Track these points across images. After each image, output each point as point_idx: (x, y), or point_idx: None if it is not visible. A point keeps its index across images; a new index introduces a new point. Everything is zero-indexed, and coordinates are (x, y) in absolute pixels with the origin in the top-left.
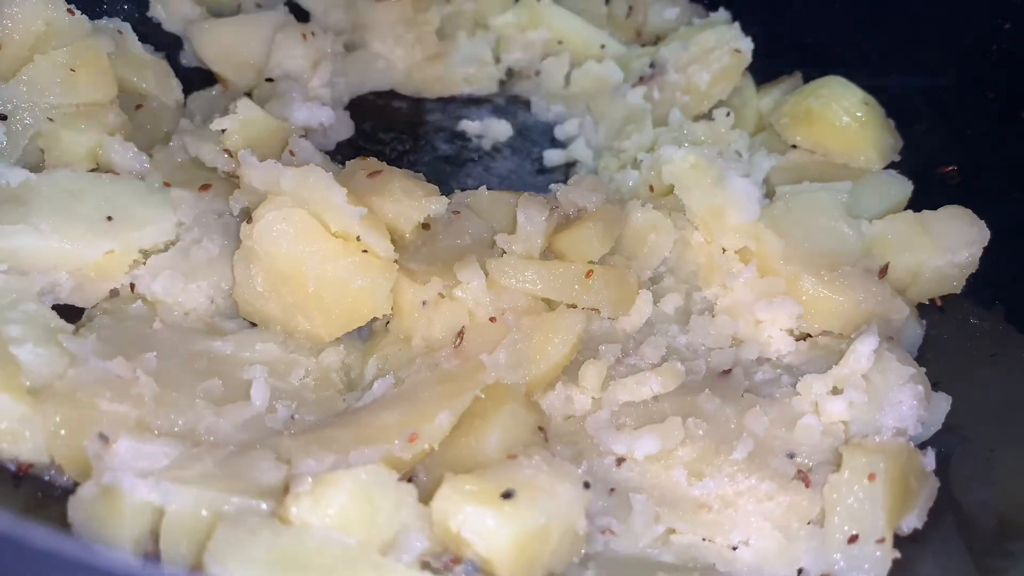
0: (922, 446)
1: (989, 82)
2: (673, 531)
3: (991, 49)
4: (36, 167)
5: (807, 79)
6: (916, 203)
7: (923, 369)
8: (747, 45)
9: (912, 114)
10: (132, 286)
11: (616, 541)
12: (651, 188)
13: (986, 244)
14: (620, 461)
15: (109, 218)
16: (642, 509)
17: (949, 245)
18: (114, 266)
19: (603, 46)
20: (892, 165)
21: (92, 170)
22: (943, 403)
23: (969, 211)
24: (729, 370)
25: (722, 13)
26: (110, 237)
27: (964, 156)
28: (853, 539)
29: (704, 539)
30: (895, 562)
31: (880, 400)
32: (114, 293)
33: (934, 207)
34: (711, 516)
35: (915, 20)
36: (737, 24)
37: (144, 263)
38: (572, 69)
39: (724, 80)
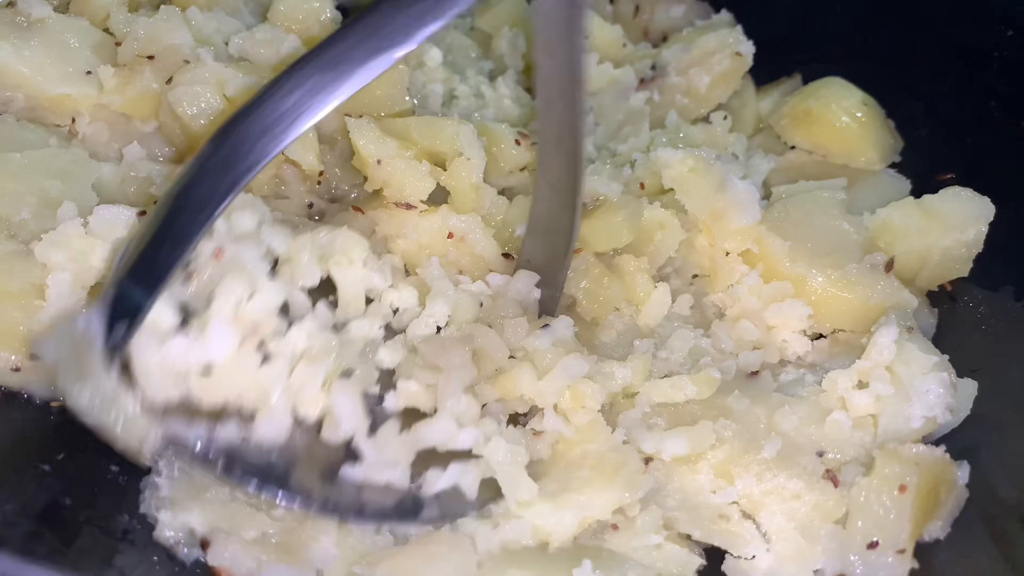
0: (952, 443)
1: (991, 90)
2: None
3: (993, 56)
4: (62, 7)
5: (807, 81)
6: None
7: (946, 356)
8: (748, 49)
9: (912, 120)
10: (73, 120)
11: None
12: (641, 186)
13: (992, 219)
14: (648, 461)
15: (88, 72)
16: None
17: (955, 223)
18: (66, 109)
19: (625, 44)
20: (891, 169)
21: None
22: (970, 388)
23: (970, 189)
24: (757, 372)
25: (724, 15)
26: (74, 87)
27: (963, 163)
28: (873, 545)
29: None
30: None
31: (907, 390)
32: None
33: None
34: (728, 526)
35: (917, 26)
36: (739, 27)
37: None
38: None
39: (724, 83)
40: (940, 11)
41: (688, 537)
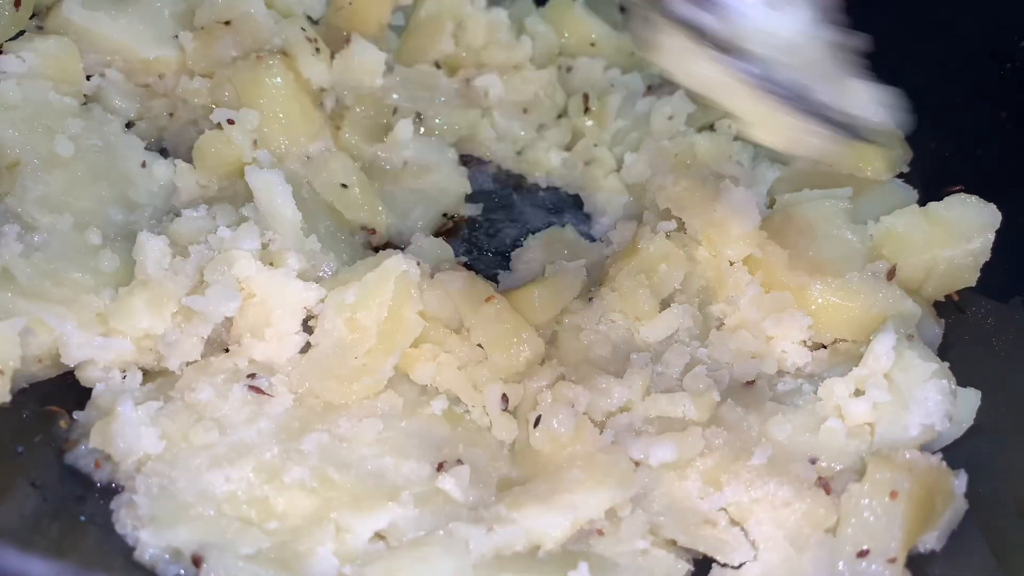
0: (955, 454)
1: (1001, 101)
2: (674, 542)
3: (1005, 67)
4: None
5: None
6: None
7: (946, 364)
8: None
9: (921, 131)
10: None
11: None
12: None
13: (998, 227)
14: (635, 465)
15: (175, 36)
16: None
17: (961, 232)
18: (155, 70)
19: (633, 52)
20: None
21: None
22: (972, 399)
23: (976, 196)
24: (752, 381)
25: None
26: (164, 50)
27: (973, 175)
28: (863, 554)
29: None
30: None
31: (904, 398)
32: (148, 87)
33: None
34: (714, 532)
35: (927, 36)
36: None
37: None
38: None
39: None
40: (951, 21)
41: (674, 543)
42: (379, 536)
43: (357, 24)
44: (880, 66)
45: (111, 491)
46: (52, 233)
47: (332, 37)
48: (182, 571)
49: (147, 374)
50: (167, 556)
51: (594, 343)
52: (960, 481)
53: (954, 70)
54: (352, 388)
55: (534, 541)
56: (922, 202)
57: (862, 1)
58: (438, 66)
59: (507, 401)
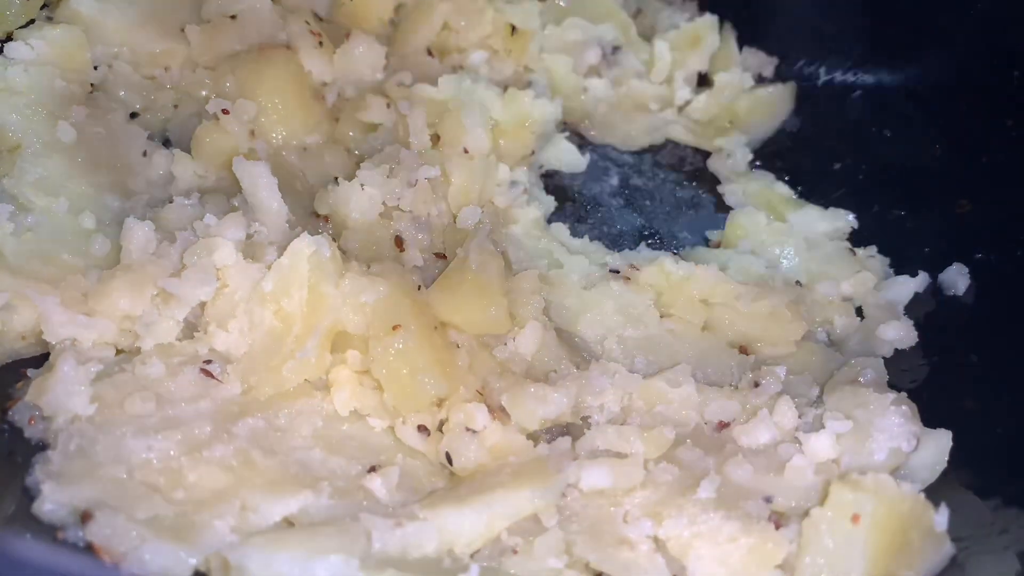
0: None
1: (1007, 109)
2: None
3: (1012, 75)
4: None
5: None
6: (929, 235)
7: (903, 393)
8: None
9: (927, 138)
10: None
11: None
12: None
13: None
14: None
15: (182, 30)
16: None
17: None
18: (161, 62)
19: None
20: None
21: None
22: (944, 439)
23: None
24: (728, 423)
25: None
26: (171, 43)
27: (978, 183)
28: None
29: None
30: None
31: (867, 428)
32: (154, 79)
33: (943, 240)
34: (631, 555)
35: (934, 44)
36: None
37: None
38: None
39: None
40: (957, 29)
41: (588, 566)
42: (288, 521)
43: (359, 20)
44: (886, 73)
45: (38, 449)
46: (46, 215)
47: (335, 32)
48: (72, 527)
49: (117, 352)
50: (63, 512)
51: (510, 360)
52: (941, 517)
53: (960, 78)
54: (282, 376)
55: (446, 541)
56: (928, 209)
57: (868, 9)
58: (431, 53)
59: (426, 431)
